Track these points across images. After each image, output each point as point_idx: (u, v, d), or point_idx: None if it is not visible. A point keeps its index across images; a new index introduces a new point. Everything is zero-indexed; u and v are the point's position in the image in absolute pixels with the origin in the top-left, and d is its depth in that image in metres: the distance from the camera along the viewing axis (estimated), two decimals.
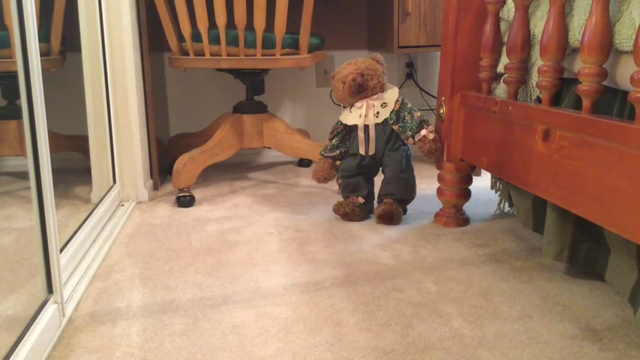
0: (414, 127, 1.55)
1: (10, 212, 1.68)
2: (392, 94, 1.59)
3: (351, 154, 1.62)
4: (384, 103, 1.58)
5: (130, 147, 1.79)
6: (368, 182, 1.64)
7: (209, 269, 1.29)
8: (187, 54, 1.81)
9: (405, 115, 1.56)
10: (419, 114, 1.56)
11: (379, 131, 1.57)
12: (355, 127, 1.59)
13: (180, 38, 1.82)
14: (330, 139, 1.64)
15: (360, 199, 1.62)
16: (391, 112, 1.56)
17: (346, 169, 1.62)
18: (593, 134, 0.96)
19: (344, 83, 1.58)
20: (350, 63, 1.61)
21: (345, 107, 1.64)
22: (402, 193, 1.58)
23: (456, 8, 1.43)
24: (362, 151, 1.59)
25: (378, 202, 1.63)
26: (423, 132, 1.54)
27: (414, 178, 1.61)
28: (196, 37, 1.77)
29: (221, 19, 1.70)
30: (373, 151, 1.58)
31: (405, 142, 1.57)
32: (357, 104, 1.58)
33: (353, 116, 1.59)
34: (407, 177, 1.58)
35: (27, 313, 0.95)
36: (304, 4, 1.75)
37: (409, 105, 1.59)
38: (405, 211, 1.62)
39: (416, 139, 1.54)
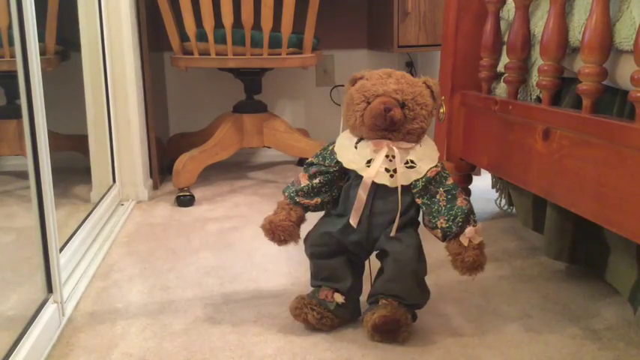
0: (458, 221, 0.94)
1: (9, 211, 1.67)
2: (429, 154, 0.98)
3: (337, 214, 1.01)
4: (412, 163, 0.96)
5: (130, 146, 1.79)
6: (352, 267, 1.01)
7: (209, 269, 1.29)
8: (189, 53, 1.81)
9: (439, 193, 0.96)
10: (467, 202, 0.96)
11: (388, 199, 0.96)
12: (355, 174, 0.97)
13: (183, 37, 1.82)
14: (308, 176, 1.00)
15: (338, 297, 1.00)
16: (419, 180, 0.96)
17: (320, 242, 1.00)
18: (593, 134, 0.96)
19: (368, 103, 0.95)
20: (387, 74, 0.97)
21: (349, 134, 1.00)
22: (414, 296, 0.99)
23: (456, 8, 1.43)
24: (353, 221, 0.96)
25: (371, 303, 1.01)
26: (469, 231, 0.94)
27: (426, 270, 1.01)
28: (199, 36, 1.77)
29: (228, 18, 1.70)
30: (356, 223, 0.97)
31: (431, 232, 0.99)
32: (373, 144, 0.96)
33: (357, 158, 0.97)
34: (421, 273, 0.99)
35: (27, 313, 0.95)
36: (310, 4, 1.75)
37: (449, 179, 0.97)
38: (414, 317, 1.01)
39: (460, 240, 0.94)
